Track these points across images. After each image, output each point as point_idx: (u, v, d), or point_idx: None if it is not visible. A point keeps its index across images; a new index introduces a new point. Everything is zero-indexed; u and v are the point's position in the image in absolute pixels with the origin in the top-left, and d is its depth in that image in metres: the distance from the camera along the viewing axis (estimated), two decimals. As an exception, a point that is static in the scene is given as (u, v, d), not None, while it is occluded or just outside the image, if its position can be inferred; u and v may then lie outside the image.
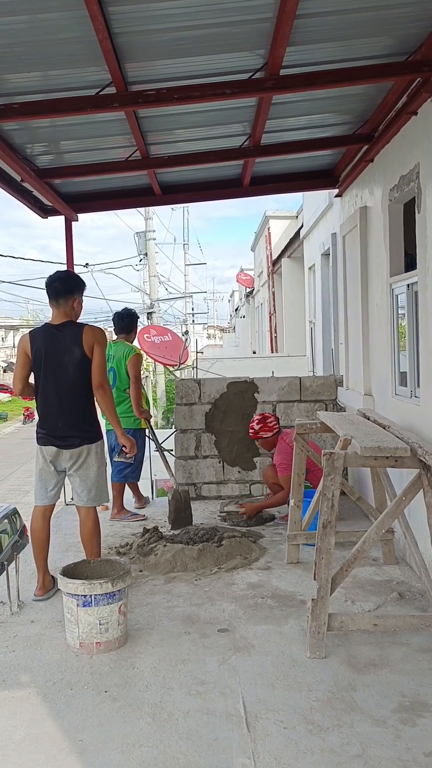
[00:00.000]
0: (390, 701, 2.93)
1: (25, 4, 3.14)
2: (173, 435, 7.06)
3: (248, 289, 29.56)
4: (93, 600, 3.45)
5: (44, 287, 4.30)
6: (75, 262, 6.95)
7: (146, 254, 23.54)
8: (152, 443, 6.51)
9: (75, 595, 3.46)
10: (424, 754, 2.56)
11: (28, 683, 3.20)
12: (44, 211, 6.58)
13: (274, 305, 18.95)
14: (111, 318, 6.72)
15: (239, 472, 6.90)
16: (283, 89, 4.08)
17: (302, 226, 11.89)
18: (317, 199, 9.24)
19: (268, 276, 19.32)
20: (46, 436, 4.21)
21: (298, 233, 12.93)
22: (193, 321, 34.69)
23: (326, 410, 6.79)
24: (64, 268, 6.25)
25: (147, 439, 6.43)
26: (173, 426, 7.34)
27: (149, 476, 9.39)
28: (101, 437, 4.35)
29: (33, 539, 4.29)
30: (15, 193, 5.81)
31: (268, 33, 3.57)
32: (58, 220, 6.80)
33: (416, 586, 4.21)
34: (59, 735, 2.76)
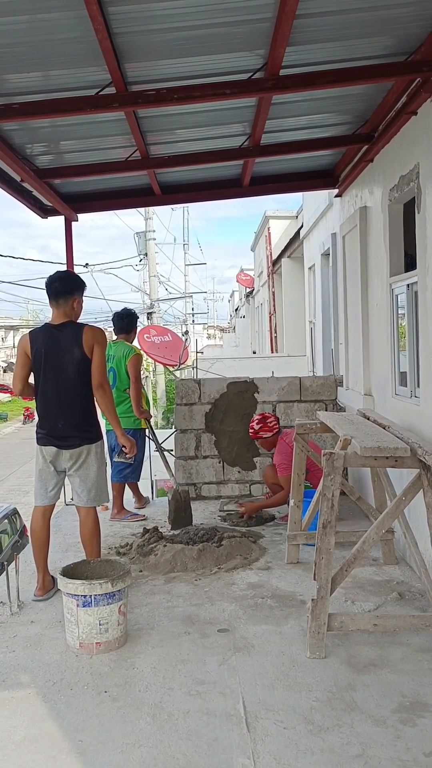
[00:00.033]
0: (390, 701, 2.93)
1: (25, 4, 3.15)
2: (173, 435, 7.06)
3: (248, 289, 29.56)
4: (93, 600, 3.45)
5: (44, 287, 4.30)
6: (75, 262, 6.95)
7: (146, 254, 23.55)
8: (152, 443, 6.51)
9: (75, 595, 3.46)
10: (424, 754, 2.56)
11: (28, 683, 3.20)
12: (44, 211, 6.58)
13: (274, 305, 18.95)
14: (111, 318, 6.72)
15: (239, 472, 6.90)
16: (283, 89, 4.08)
17: (302, 226, 11.89)
18: (317, 199, 9.25)
19: (268, 276, 19.32)
20: (46, 436, 4.21)
21: (298, 233, 12.94)
22: (193, 321, 34.70)
23: (326, 410, 6.79)
24: (64, 268, 6.26)
25: (147, 439, 6.43)
26: (173, 426, 7.34)
27: (149, 476, 9.39)
28: (101, 437, 4.35)
29: (33, 539, 4.29)
30: (15, 194, 5.81)
31: (268, 33, 3.57)
32: (58, 221, 6.80)
33: (416, 586, 4.21)
34: (59, 735, 2.76)
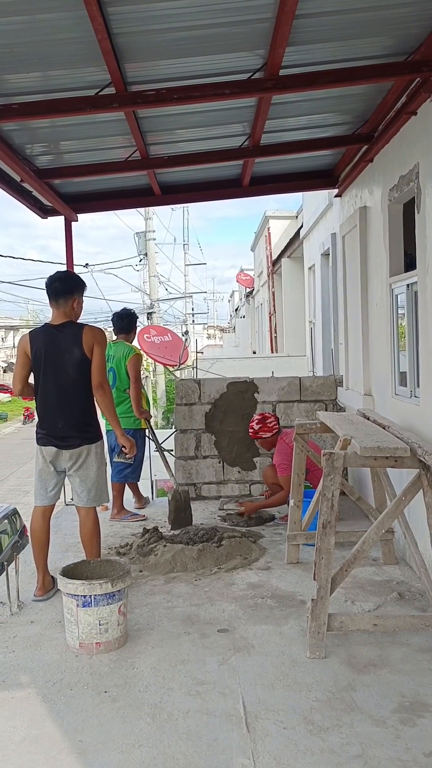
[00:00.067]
0: (390, 701, 2.93)
1: (25, 4, 3.14)
2: (173, 435, 7.06)
3: (248, 290, 29.56)
4: (93, 600, 3.45)
5: (44, 287, 4.30)
6: (75, 263, 6.95)
7: (146, 254, 23.55)
8: (152, 443, 6.51)
9: (75, 595, 3.46)
10: (423, 754, 2.56)
11: (27, 684, 3.20)
12: (44, 212, 6.58)
13: (274, 305, 18.96)
14: (110, 318, 6.73)
15: (239, 472, 6.90)
16: (283, 89, 4.08)
17: (302, 226, 11.89)
18: (317, 199, 9.25)
19: (268, 276, 19.33)
20: (46, 436, 4.21)
21: (297, 233, 12.94)
22: (193, 321, 34.71)
23: (326, 410, 6.79)
24: (64, 268, 6.26)
25: (147, 439, 6.43)
26: (173, 426, 7.34)
27: (149, 476, 9.39)
28: (101, 437, 4.35)
29: (33, 539, 4.29)
30: (15, 194, 5.82)
31: (268, 33, 3.57)
32: (58, 221, 6.80)
33: (416, 586, 4.21)
34: (59, 735, 2.76)
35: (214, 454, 6.88)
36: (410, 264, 4.78)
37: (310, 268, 10.84)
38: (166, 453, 6.53)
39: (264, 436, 5.85)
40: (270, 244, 19.18)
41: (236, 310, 41.97)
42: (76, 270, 7.42)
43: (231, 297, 53.01)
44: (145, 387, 8.03)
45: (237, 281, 34.28)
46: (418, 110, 4.24)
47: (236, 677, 3.17)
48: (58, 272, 4.42)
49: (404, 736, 2.68)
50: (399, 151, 4.71)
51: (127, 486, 6.35)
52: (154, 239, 24.14)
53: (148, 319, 22.81)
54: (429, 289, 4.08)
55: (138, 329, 7.58)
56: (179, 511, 5.79)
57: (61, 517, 6.11)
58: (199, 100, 4.11)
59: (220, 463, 6.88)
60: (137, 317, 6.73)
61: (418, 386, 4.48)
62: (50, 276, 4.33)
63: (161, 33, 3.53)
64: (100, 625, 3.46)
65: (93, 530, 4.26)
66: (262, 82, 4.01)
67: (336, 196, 6.98)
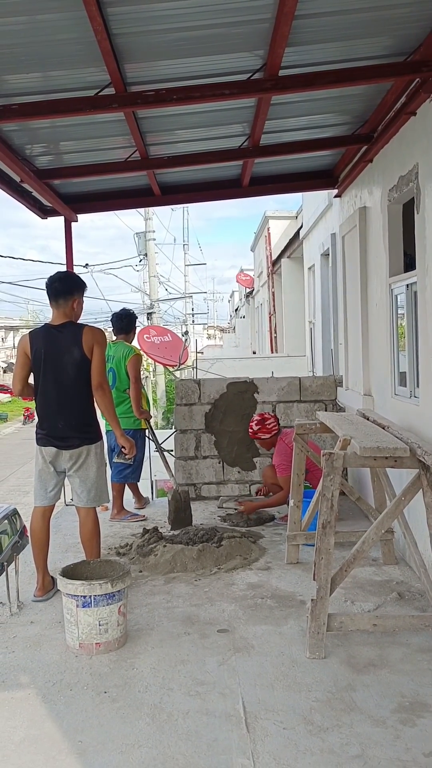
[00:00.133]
0: (389, 701, 2.93)
1: (25, 5, 3.15)
2: (173, 435, 7.06)
3: (248, 290, 29.57)
4: (92, 601, 3.45)
5: (44, 288, 4.30)
6: (75, 263, 6.96)
7: (146, 255, 23.54)
8: (152, 443, 6.51)
9: (74, 595, 3.46)
10: (423, 754, 2.56)
11: (27, 684, 3.20)
12: (44, 212, 6.59)
13: (273, 305, 18.96)
14: (110, 319, 6.73)
15: (239, 472, 6.90)
16: (282, 90, 4.08)
17: (302, 227, 11.89)
18: (317, 199, 9.25)
19: (268, 276, 19.33)
20: (46, 436, 4.21)
21: (297, 233, 12.94)
22: (193, 321, 34.71)
23: (326, 410, 6.79)
24: (63, 268, 6.26)
25: (147, 439, 6.43)
26: (173, 426, 7.34)
27: (149, 477, 9.39)
28: (101, 438, 4.35)
29: (33, 540, 4.29)
30: (14, 194, 5.82)
31: (267, 33, 3.57)
32: (58, 221, 6.80)
33: (416, 586, 4.21)
34: (59, 736, 2.76)
35: (214, 455, 6.88)
36: (410, 264, 4.78)
37: (309, 269, 10.84)
38: (166, 453, 6.53)
39: (263, 437, 5.85)
40: (270, 244, 19.18)
41: (236, 310, 41.98)
42: (76, 270, 7.42)
43: (231, 297, 53.02)
44: (144, 387, 8.03)
45: (237, 281, 34.30)
46: (418, 110, 4.25)
47: (236, 677, 3.17)
48: (58, 272, 4.42)
49: (404, 736, 2.68)
50: (398, 151, 4.71)
51: (127, 486, 6.35)
52: (154, 239, 24.15)
53: (148, 319, 22.81)
54: (428, 289, 4.09)
55: (138, 329, 7.58)
56: (179, 512, 5.79)
57: (61, 518, 6.11)
58: (198, 101, 4.12)
59: (220, 463, 6.89)
60: (136, 317, 6.73)
61: (417, 386, 4.48)
62: (50, 276, 4.33)
63: (161, 33, 3.53)
64: (99, 625, 3.46)
65: (93, 530, 4.26)
66: (261, 82, 4.02)
67: (336, 196, 6.98)
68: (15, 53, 3.59)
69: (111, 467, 5.96)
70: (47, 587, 4.23)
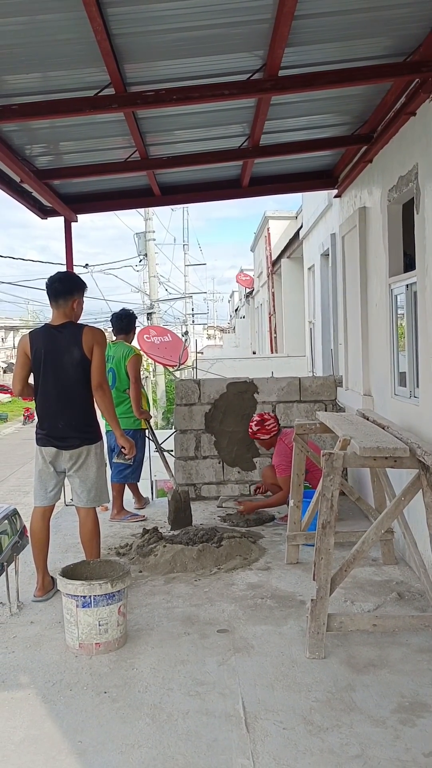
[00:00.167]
0: (389, 702, 2.93)
1: (25, 5, 3.15)
2: (173, 435, 7.06)
3: (248, 290, 29.58)
4: (92, 601, 3.45)
5: (44, 288, 4.30)
6: (75, 263, 6.96)
7: (146, 255, 23.54)
8: (152, 444, 6.51)
9: (74, 595, 3.47)
10: (423, 754, 2.56)
11: (27, 684, 3.20)
12: (44, 212, 6.59)
13: (273, 306, 18.97)
14: (109, 319, 6.74)
15: (239, 472, 6.90)
16: (282, 90, 4.09)
17: (302, 227, 11.90)
18: (317, 199, 9.25)
19: (268, 276, 19.34)
20: (46, 436, 4.21)
21: (297, 234, 12.94)
22: (192, 321, 34.71)
23: (326, 410, 6.79)
24: (63, 268, 6.26)
25: (147, 439, 6.43)
26: (173, 426, 7.34)
27: (149, 477, 9.39)
28: (101, 438, 4.35)
29: (32, 540, 4.29)
30: (14, 194, 5.82)
31: (267, 34, 3.57)
32: (58, 221, 6.81)
33: (415, 586, 4.21)
34: (58, 736, 2.76)
35: (214, 455, 6.88)
36: (409, 264, 4.78)
37: (309, 269, 10.84)
38: (165, 453, 6.53)
39: (262, 437, 5.85)
40: (270, 244, 19.19)
41: (236, 310, 41.99)
42: (76, 270, 7.42)
43: (231, 297, 53.03)
44: (144, 387, 8.03)
45: (237, 282, 34.31)
46: (417, 111, 4.25)
47: (236, 678, 3.17)
48: (58, 273, 4.42)
49: (404, 736, 2.68)
50: (398, 151, 4.71)
51: (126, 486, 6.35)
52: (154, 240, 24.15)
53: (147, 319, 22.81)
54: (428, 289, 4.09)
55: (138, 330, 7.58)
56: (179, 512, 5.79)
57: (61, 518, 6.11)
58: (198, 101, 4.12)
59: (219, 463, 6.89)
60: (136, 317, 6.73)
61: (417, 386, 4.48)
62: (50, 276, 4.33)
63: (160, 34, 3.53)
64: (99, 625, 3.46)
65: (93, 531, 4.26)
66: (261, 82, 4.02)
67: (335, 196, 6.99)
68: (15, 53, 3.60)
69: (111, 467, 5.96)
70: (47, 587, 4.23)
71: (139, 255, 23.81)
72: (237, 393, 6.88)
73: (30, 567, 4.49)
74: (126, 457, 4.81)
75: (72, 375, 4.15)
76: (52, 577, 4.27)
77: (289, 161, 6.21)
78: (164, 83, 4.07)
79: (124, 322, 6.39)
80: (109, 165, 5.60)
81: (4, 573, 4.24)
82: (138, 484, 6.56)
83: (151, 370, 23.38)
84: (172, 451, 6.97)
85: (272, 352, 18.47)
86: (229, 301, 56.29)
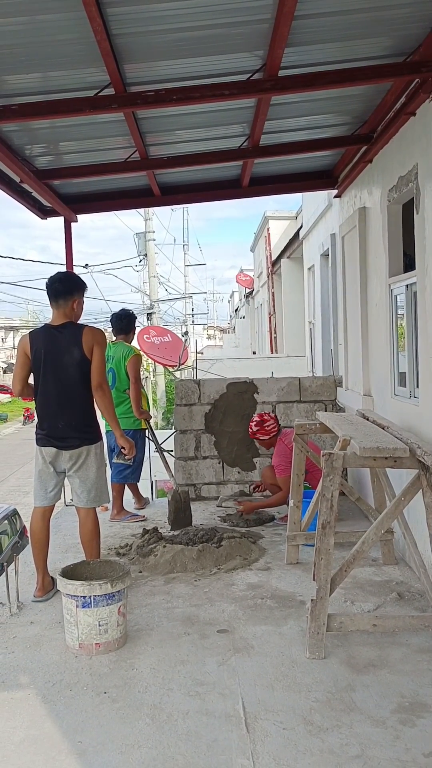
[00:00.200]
0: (389, 702, 2.93)
1: (25, 5, 3.15)
2: (173, 436, 7.06)
3: (248, 290, 29.58)
4: (92, 601, 3.45)
5: (44, 288, 4.30)
6: (75, 263, 6.96)
7: (146, 255, 23.55)
8: (152, 444, 6.51)
9: (74, 596, 3.46)
10: (423, 754, 2.56)
11: (27, 684, 3.20)
12: (43, 212, 6.59)
13: (273, 306, 18.97)
14: (109, 319, 6.74)
15: (239, 472, 6.90)
16: (282, 90, 4.09)
17: (301, 227, 11.90)
18: (316, 199, 9.25)
19: (268, 277, 19.34)
20: (46, 437, 4.21)
21: (297, 234, 12.95)
22: (192, 321, 34.70)
23: (326, 411, 6.79)
24: (63, 269, 6.26)
25: (147, 439, 6.43)
26: (173, 427, 7.34)
27: (149, 477, 9.40)
28: (101, 438, 4.35)
29: (32, 540, 4.29)
30: (14, 194, 5.82)
31: (267, 34, 3.57)
32: (58, 221, 6.81)
33: (415, 586, 4.21)
34: (58, 736, 2.76)
35: (214, 455, 6.88)
36: (409, 265, 4.78)
37: (309, 269, 10.84)
38: (165, 453, 6.53)
39: (262, 438, 5.85)
40: (270, 244, 19.19)
41: (236, 310, 41.99)
42: (76, 270, 7.42)
43: (231, 297, 53.03)
44: (144, 387, 8.03)
45: (237, 282, 34.31)
46: (417, 111, 4.25)
47: (236, 678, 3.17)
48: (58, 273, 4.42)
49: (404, 736, 2.68)
50: (398, 151, 4.71)
51: (126, 487, 6.35)
52: (154, 240, 24.15)
53: (147, 319, 22.81)
54: (428, 289, 4.09)
55: (137, 330, 7.58)
56: (179, 512, 5.79)
57: (61, 518, 6.11)
58: (198, 101, 4.12)
59: (219, 463, 6.89)
60: (136, 318, 6.73)
61: (417, 386, 4.48)
62: (50, 277, 4.33)
63: (160, 34, 3.53)
64: (99, 625, 3.46)
65: (93, 531, 4.26)
66: (261, 82, 4.02)
67: (335, 196, 6.98)
68: (15, 53, 3.59)
69: (111, 467, 5.96)
70: (47, 587, 4.23)
71: (139, 255, 23.81)
72: (237, 393, 6.88)
73: (30, 567, 4.49)
74: (126, 457, 4.80)
75: (72, 375, 4.15)
76: (52, 578, 4.27)
77: (289, 161, 6.21)
78: (164, 83, 4.07)
79: (123, 322, 6.39)
80: (109, 165, 5.60)
81: (4, 573, 4.24)
82: (138, 484, 6.56)
83: (151, 370, 23.38)
84: (172, 451, 6.97)
85: (272, 353, 18.48)
86: (229, 302, 56.29)
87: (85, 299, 4.36)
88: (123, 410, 5.94)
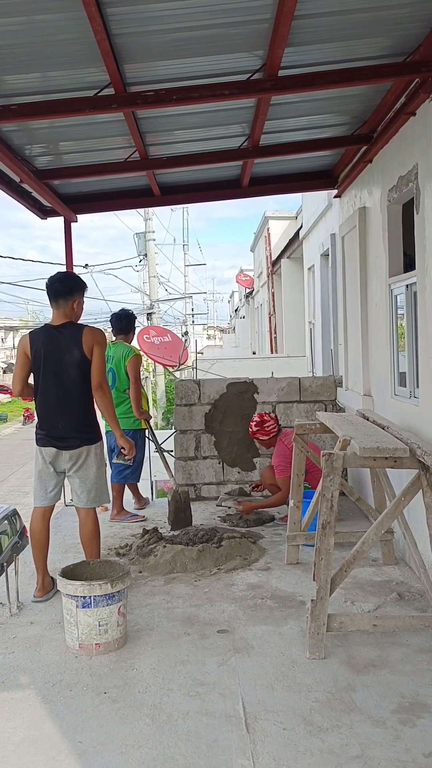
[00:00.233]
0: (389, 702, 2.93)
1: (25, 5, 3.15)
2: (173, 436, 7.06)
3: (248, 290, 29.58)
4: (92, 601, 3.45)
5: (45, 288, 4.30)
6: (75, 263, 6.96)
7: (146, 255, 23.55)
8: (152, 444, 6.51)
9: (74, 596, 3.46)
10: (423, 754, 2.56)
11: (27, 684, 3.20)
12: (43, 212, 6.59)
13: (273, 306, 18.97)
14: (109, 319, 6.74)
15: (239, 472, 6.89)
16: (282, 90, 4.08)
17: (301, 227, 11.90)
18: (316, 199, 9.25)
19: (268, 277, 19.34)
20: (46, 437, 4.21)
21: (297, 234, 12.94)
22: (192, 322, 34.69)
23: (326, 411, 6.79)
24: (63, 269, 6.26)
25: (147, 439, 6.43)
26: (173, 427, 7.34)
27: (149, 477, 9.40)
28: (101, 438, 4.35)
29: (32, 540, 4.29)
30: (14, 194, 5.82)
31: (267, 34, 3.57)
32: (58, 221, 6.80)
33: (416, 586, 4.21)
34: (58, 736, 2.76)
35: (214, 455, 6.88)
36: (409, 264, 4.78)
37: (309, 269, 10.84)
38: (165, 454, 6.53)
39: (261, 438, 5.85)
40: (270, 244, 19.19)
41: (236, 310, 41.99)
42: (76, 270, 7.42)
43: (231, 297, 53.04)
44: (144, 387, 8.03)
45: (237, 282, 34.32)
46: (417, 111, 4.24)
47: (236, 678, 3.17)
48: (58, 273, 4.42)
49: (404, 736, 2.68)
50: (398, 151, 4.71)
51: (126, 487, 6.35)
52: (154, 240, 24.15)
53: (147, 319, 22.81)
54: (428, 289, 4.08)
55: (137, 330, 7.58)
56: (179, 512, 5.79)
57: (61, 518, 6.11)
58: (198, 101, 4.12)
59: (219, 463, 6.88)
60: (135, 318, 6.73)
61: (417, 387, 4.48)
62: (51, 277, 4.32)
63: (160, 34, 3.53)
64: (99, 626, 3.46)
65: (93, 531, 4.26)
66: (261, 82, 4.02)
67: (335, 196, 6.98)
68: (15, 53, 3.59)
69: (111, 468, 5.96)
70: (47, 588, 4.23)
71: (138, 255, 23.81)
72: (237, 393, 6.88)
73: (30, 567, 4.49)
74: (126, 457, 4.80)
75: (72, 375, 4.15)
76: (52, 578, 4.27)
77: (289, 161, 6.21)
78: (164, 83, 4.07)
79: (123, 322, 6.39)
80: (109, 165, 5.60)
81: (4, 573, 4.24)
82: (138, 484, 6.56)
83: (151, 370, 23.38)
84: (172, 451, 6.97)
85: (272, 353, 18.48)
86: (229, 302, 56.30)
87: (85, 299, 4.36)
88: (123, 410, 5.94)
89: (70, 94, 4.08)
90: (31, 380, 4.30)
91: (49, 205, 6.34)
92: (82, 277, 4.52)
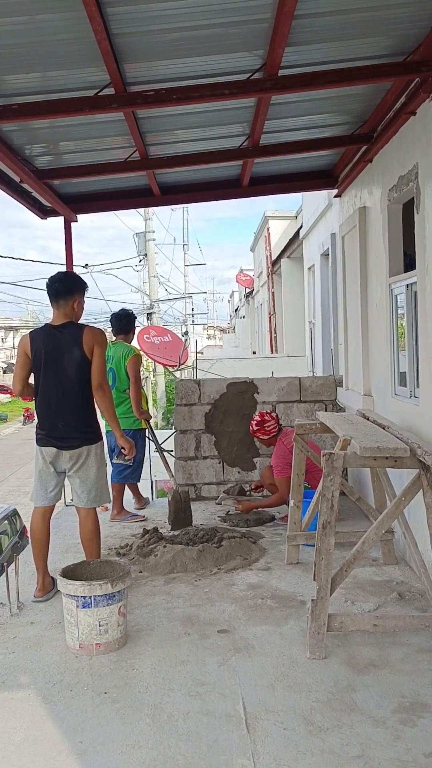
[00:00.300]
0: (390, 702, 2.93)
1: (25, 5, 3.15)
2: (173, 436, 7.06)
3: (248, 290, 29.58)
4: (92, 601, 3.45)
5: (45, 288, 4.30)
6: (75, 263, 6.96)
7: (146, 255, 23.55)
8: (152, 444, 6.51)
9: (74, 596, 3.46)
10: (423, 754, 2.56)
11: (27, 684, 3.20)
12: (43, 212, 6.59)
13: (273, 306, 18.97)
14: (109, 319, 6.73)
15: (239, 472, 6.89)
16: (282, 90, 4.08)
17: (302, 227, 11.90)
18: (317, 199, 9.25)
19: (268, 276, 19.34)
20: (46, 437, 4.21)
21: (297, 233, 12.94)
22: (192, 321, 34.69)
23: (326, 410, 6.79)
24: (63, 268, 6.26)
25: (147, 439, 6.43)
26: (173, 427, 7.34)
27: (149, 477, 9.39)
28: (101, 438, 4.35)
29: (33, 540, 4.29)
30: (14, 194, 5.82)
31: (267, 33, 3.57)
32: (58, 221, 6.80)
33: (416, 586, 4.21)
34: (59, 736, 2.76)
35: (214, 455, 6.88)
36: (410, 264, 4.78)
37: (309, 269, 10.84)
38: (165, 453, 6.53)
39: (261, 437, 5.85)
40: (270, 244, 19.19)
41: (236, 310, 42.00)
42: (76, 270, 7.42)
43: (231, 297, 53.05)
44: (144, 387, 8.03)
45: (237, 282, 34.33)
46: (417, 110, 4.24)
47: (236, 678, 3.17)
48: (58, 273, 4.41)
49: (404, 736, 2.67)
50: (398, 151, 4.71)
51: (127, 487, 6.35)
52: (154, 240, 24.16)
53: (147, 319, 22.81)
54: (428, 289, 4.08)
55: (137, 330, 7.58)
56: (179, 512, 5.79)
57: (61, 518, 6.11)
58: (198, 101, 4.12)
59: (220, 463, 6.88)
60: (135, 317, 6.73)
61: (417, 386, 4.48)
62: (51, 277, 4.32)
63: (160, 33, 3.53)
64: (99, 626, 3.46)
65: (93, 531, 4.26)
66: (261, 82, 4.02)
67: (335, 196, 6.98)
68: (15, 53, 3.59)
69: (111, 467, 5.96)
70: (47, 588, 4.23)
71: (138, 255, 23.82)
72: (237, 393, 6.87)
73: (30, 567, 4.49)
74: (126, 457, 4.80)
75: (72, 375, 4.14)
76: (52, 578, 4.27)
77: (289, 161, 6.21)
78: (164, 83, 4.06)
79: (123, 322, 6.39)
80: (109, 165, 5.60)
81: (4, 573, 4.24)
82: (138, 484, 6.55)
83: (151, 370, 23.38)
84: (172, 451, 6.97)
85: (272, 352, 18.48)
86: (229, 301, 56.30)
87: (85, 299, 4.36)
88: (123, 410, 5.94)
89: (71, 94, 4.08)
90: (31, 380, 4.30)
91: (49, 205, 6.34)
92: (82, 277, 4.52)
